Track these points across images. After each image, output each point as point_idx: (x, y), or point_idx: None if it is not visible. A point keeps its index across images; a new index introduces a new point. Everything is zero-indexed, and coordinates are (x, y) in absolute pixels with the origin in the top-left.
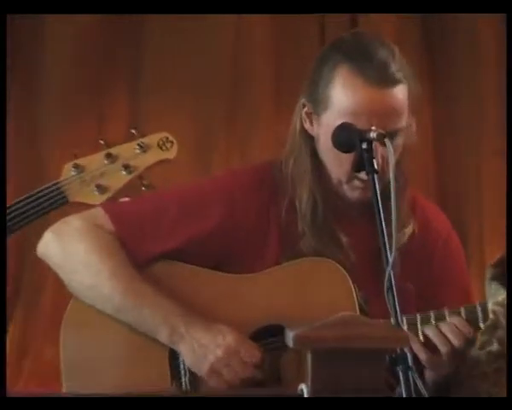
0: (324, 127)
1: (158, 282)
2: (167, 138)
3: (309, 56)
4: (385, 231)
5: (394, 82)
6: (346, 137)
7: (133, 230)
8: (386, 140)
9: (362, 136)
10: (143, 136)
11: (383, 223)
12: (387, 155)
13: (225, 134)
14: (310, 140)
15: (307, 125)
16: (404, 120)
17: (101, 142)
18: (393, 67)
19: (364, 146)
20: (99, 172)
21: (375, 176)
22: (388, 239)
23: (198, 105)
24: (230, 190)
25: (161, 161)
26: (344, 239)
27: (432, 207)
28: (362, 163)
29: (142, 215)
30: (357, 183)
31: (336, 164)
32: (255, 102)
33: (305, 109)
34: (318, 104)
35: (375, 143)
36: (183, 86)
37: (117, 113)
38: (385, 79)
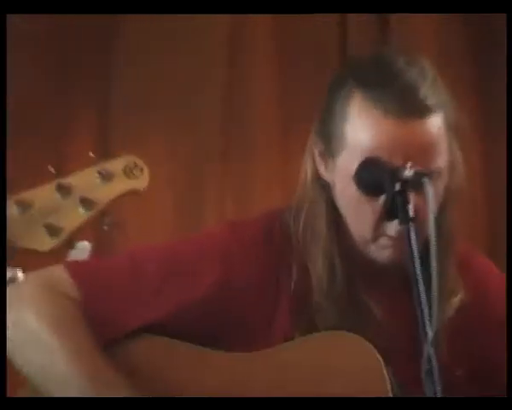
0: (341, 172)
1: (135, 366)
2: (135, 163)
3: (325, 66)
4: (423, 300)
5: (425, 111)
6: (373, 176)
7: (105, 299)
8: (425, 181)
9: (394, 175)
10: (105, 160)
11: (421, 288)
12: (426, 202)
13: (216, 158)
14: (326, 188)
15: (322, 170)
16: (441, 159)
17: (51, 169)
18: (424, 92)
19: (397, 188)
20: (49, 208)
21: (412, 227)
22: (429, 310)
23: (182, 123)
24: (227, 247)
25: (129, 193)
26: (376, 312)
27: (490, 268)
28: (393, 210)
29: (116, 279)
30: (385, 241)
31: (358, 218)
32: (255, 124)
33: (318, 149)
34: (332, 143)
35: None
36: (161, 100)
37: (78, 134)
38: (412, 108)
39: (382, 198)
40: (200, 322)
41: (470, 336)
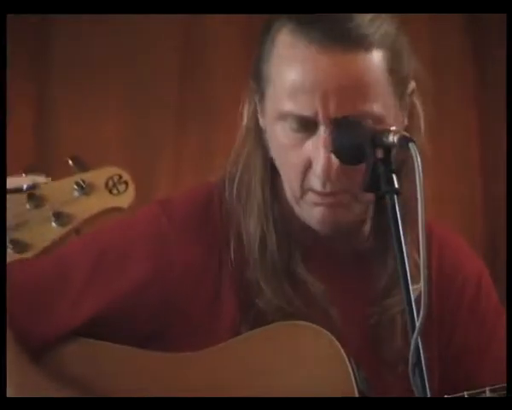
0: (269, 113)
1: (70, 370)
2: (120, 177)
3: None
4: (409, 278)
5: (363, 44)
6: (351, 142)
7: (27, 306)
8: (412, 145)
9: (376, 140)
10: (84, 170)
11: (407, 264)
12: (414, 169)
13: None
14: (263, 136)
15: (260, 117)
16: (377, 105)
17: (23, 175)
18: (366, 27)
19: (380, 155)
20: (17, 220)
21: (396, 200)
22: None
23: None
24: (158, 230)
25: (110, 211)
26: (322, 294)
27: (454, 240)
28: (376, 180)
29: (38, 284)
30: (312, 196)
31: (288, 168)
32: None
33: (256, 95)
34: (262, 84)
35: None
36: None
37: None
38: (346, 38)
39: (309, 142)
40: (136, 318)
41: (434, 314)
